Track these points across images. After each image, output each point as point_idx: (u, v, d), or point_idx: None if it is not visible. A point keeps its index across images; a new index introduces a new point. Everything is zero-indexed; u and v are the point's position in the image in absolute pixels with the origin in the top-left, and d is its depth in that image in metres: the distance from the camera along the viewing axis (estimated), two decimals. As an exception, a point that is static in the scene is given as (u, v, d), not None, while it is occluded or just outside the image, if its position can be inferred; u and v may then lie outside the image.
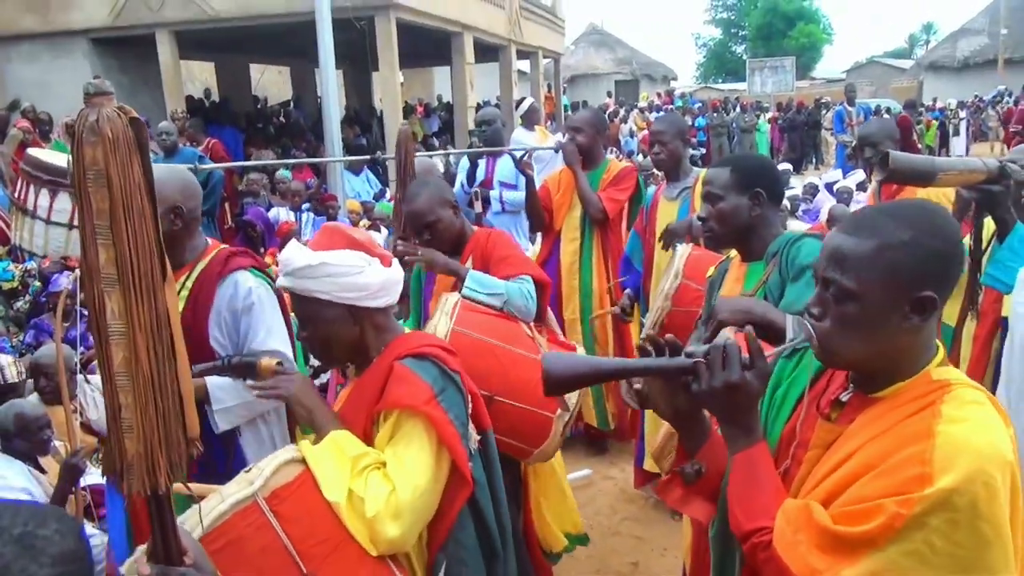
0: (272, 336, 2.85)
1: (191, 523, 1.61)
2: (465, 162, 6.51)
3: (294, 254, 2.00)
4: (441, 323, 2.83)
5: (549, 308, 3.51)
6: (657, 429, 2.73)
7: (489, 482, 2.10)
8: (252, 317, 2.81)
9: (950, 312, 3.49)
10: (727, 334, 2.41)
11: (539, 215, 5.10)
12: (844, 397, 1.52)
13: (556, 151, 5.25)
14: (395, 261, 2.12)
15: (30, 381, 4.78)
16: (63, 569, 1.01)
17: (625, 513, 4.67)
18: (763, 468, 1.50)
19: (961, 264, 1.47)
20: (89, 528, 3.55)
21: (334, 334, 2.03)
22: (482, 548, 2.06)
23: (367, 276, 2.00)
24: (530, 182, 5.05)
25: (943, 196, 3.93)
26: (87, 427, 3.49)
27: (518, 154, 5.28)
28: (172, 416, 1.22)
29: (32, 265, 7.06)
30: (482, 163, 6.35)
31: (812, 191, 12.48)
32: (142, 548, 1.34)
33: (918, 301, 1.38)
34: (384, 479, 1.83)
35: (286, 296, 3.00)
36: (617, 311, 4.56)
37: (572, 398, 3.01)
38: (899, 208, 1.47)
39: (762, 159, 2.86)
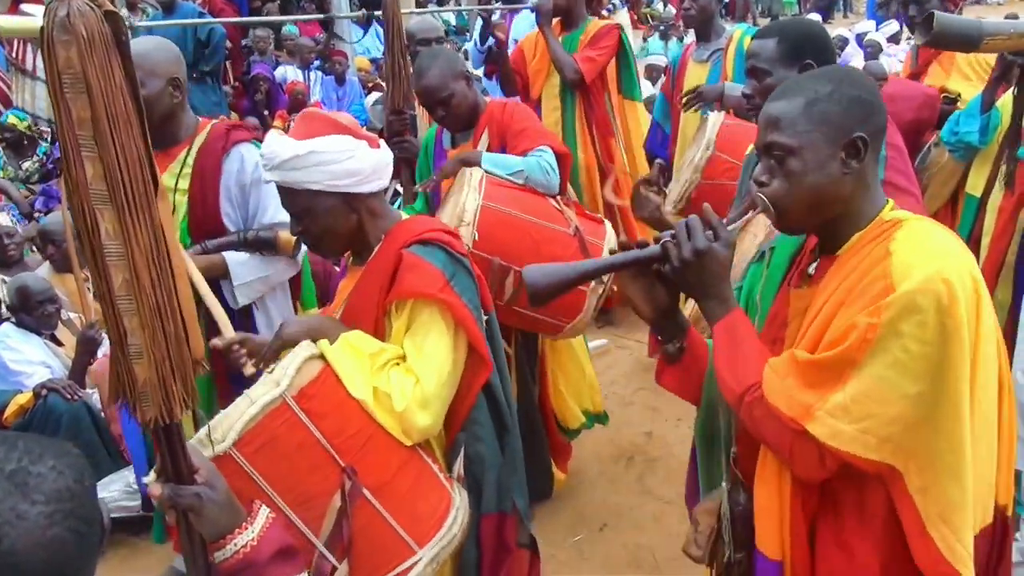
0: (281, 210, 2.80)
1: (223, 428, 1.60)
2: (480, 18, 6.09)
3: (278, 146, 1.88)
4: (470, 198, 2.74)
5: None
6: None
7: (495, 360, 2.11)
8: (261, 191, 2.77)
9: (975, 183, 3.36)
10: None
11: (510, 80, 4.71)
12: (811, 270, 1.59)
13: (532, 10, 4.80)
14: (382, 143, 2.02)
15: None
16: (58, 507, 0.97)
17: (640, 383, 4.69)
18: (743, 332, 1.56)
19: (883, 112, 1.53)
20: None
21: (331, 225, 1.95)
22: (493, 423, 2.10)
23: (358, 160, 1.90)
24: (499, 45, 4.73)
25: (978, 59, 3.72)
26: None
27: (495, 16, 4.90)
28: (179, 339, 1.15)
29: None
30: (496, 18, 5.97)
31: (841, 44, 11.92)
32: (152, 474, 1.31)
33: (851, 144, 1.47)
34: (406, 372, 1.84)
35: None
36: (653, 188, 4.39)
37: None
38: (819, 70, 1.63)
39: (811, 25, 2.60)
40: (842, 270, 1.50)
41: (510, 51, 5.82)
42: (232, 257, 2.75)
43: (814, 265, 1.59)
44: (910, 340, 1.36)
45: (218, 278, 2.76)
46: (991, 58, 3.71)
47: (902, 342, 1.36)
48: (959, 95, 3.61)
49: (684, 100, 3.99)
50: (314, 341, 1.81)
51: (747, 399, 1.50)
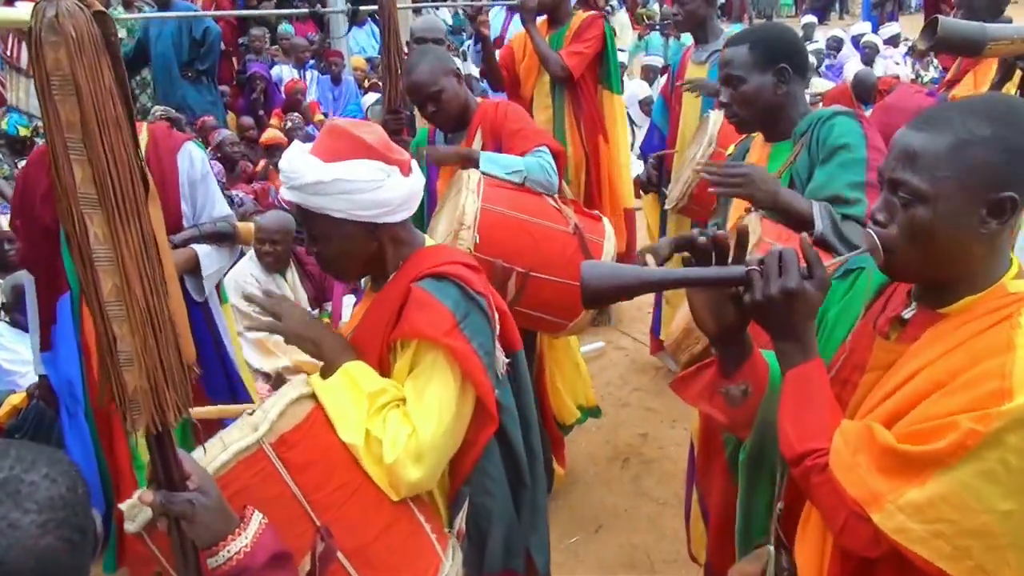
0: (224, 205, 3.00)
1: None
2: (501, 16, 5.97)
3: (302, 166, 1.72)
4: (469, 201, 2.71)
5: None
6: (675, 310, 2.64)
7: (519, 406, 1.98)
8: (207, 186, 2.90)
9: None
10: (752, 219, 2.30)
11: (496, 75, 4.67)
12: (907, 315, 1.38)
13: (513, 8, 4.77)
14: (415, 167, 1.88)
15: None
16: (51, 516, 0.96)
17: (636, 384, 4.69)
18: (818, 386, 1.38)
19: None
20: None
21: (348, 251, 1.81)
22: (509, 476, 1.96)
23: (387, 191, 1.75)
24: (484, 40, 4.66)
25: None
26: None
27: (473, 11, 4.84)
28: (171, 344, 1.13)
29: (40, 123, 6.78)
30: (500, 19, 5.95)
31: (836, 45, 11.95)
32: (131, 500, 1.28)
33: (997, 203, 1.24)
34: (404, 419, 1.69)
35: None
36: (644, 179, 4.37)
37: None
38: (977, 101, 1.30)
39: (782, 29, 2.60)
40: (947, 339, 1.29)
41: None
42: (200, 250, 2.86)
43: (910, 311, 1.38)
44: (1012, 453, 1.17)
45: (189, 272, 2.85)
46: None
47: (1002, 453, 1.17)
48: None
49: (686, 89, 3.98)
50: (317, 359, 1.72)
51: (808, 463, 1.33)
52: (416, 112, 3.73)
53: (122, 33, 7.64)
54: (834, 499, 1.29)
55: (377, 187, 1.74)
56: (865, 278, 1.51)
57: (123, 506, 1.34)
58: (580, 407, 3.65)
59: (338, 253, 1.83)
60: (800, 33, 9.44)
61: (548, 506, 3.47)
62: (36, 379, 3.55)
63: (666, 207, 3.78)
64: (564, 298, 2.81)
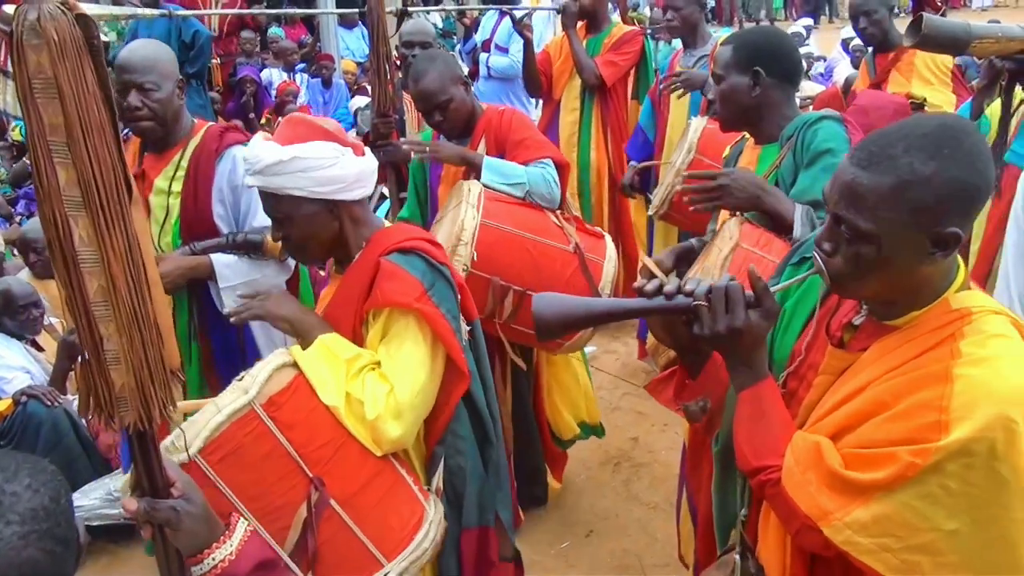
0: None
1: (187, 437, 1.56)
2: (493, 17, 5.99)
3: (261, 150, 1.85)
4: (468, 215, 2.70)
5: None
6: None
7: (479, 371, 2.10)
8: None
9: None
10: (731, 224, 2.31)
11: (535, 80, 4.78)
12: (857, 321, 1.44)
13: (557, 12, 4.89)
14: (367, 150, 2.00)
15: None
16: (33, 527, 0.95)
17: (626, 388, 4.68)
18: (770, 405, 1.45)
19: (989, 191, 1.33)
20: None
21: (312, 232, 1.93)
22: (477, 436, 2.08)
23: (342, 167, 1.88)
24: (528, 44, 4.68)
25: (936, 63, 3.74)
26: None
27: (518, 14, 4.87)
28: (156, 344, 1.14)
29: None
30: (491, 22, 5.94)
31: (798, 39, 12.07)
32: (125, 478, 1.28)
33: (941, 238, 1.27)
34: (381, 379, 1.81)
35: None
36: (626, 185, 4.39)
37: (607, 286, 2.95)
38: (919, 132, 1.28)
39: (769, 33, 2.62)
40: (892, 355, 1.34)
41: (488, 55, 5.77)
42: (219, 259, 2.72)
43: (860, 318, 1.43)
44: (951, 479, 1.23)
45: (204, 279, 2.73)
46: (949, 62, 3.74)
47: (941, 479, 1.23)
48: (924, 99, 3.66)
49: (669, 83, 4.01)
50: (294, 336, 1.80)
51: (762, 477, 1.41)
52: (405, 116, 3.72)
53: (112, 36, 7.61)
54: (788, 510, 1.37)
55: (332, 164, 1.86)
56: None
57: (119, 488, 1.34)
58: (582, 423, 3.56)
59: (303, 234, 1.94)
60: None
61: (539, 511, 3.52)
62: (22, 385, 3.54)
63: (649, 213, 3.78)
64: None
